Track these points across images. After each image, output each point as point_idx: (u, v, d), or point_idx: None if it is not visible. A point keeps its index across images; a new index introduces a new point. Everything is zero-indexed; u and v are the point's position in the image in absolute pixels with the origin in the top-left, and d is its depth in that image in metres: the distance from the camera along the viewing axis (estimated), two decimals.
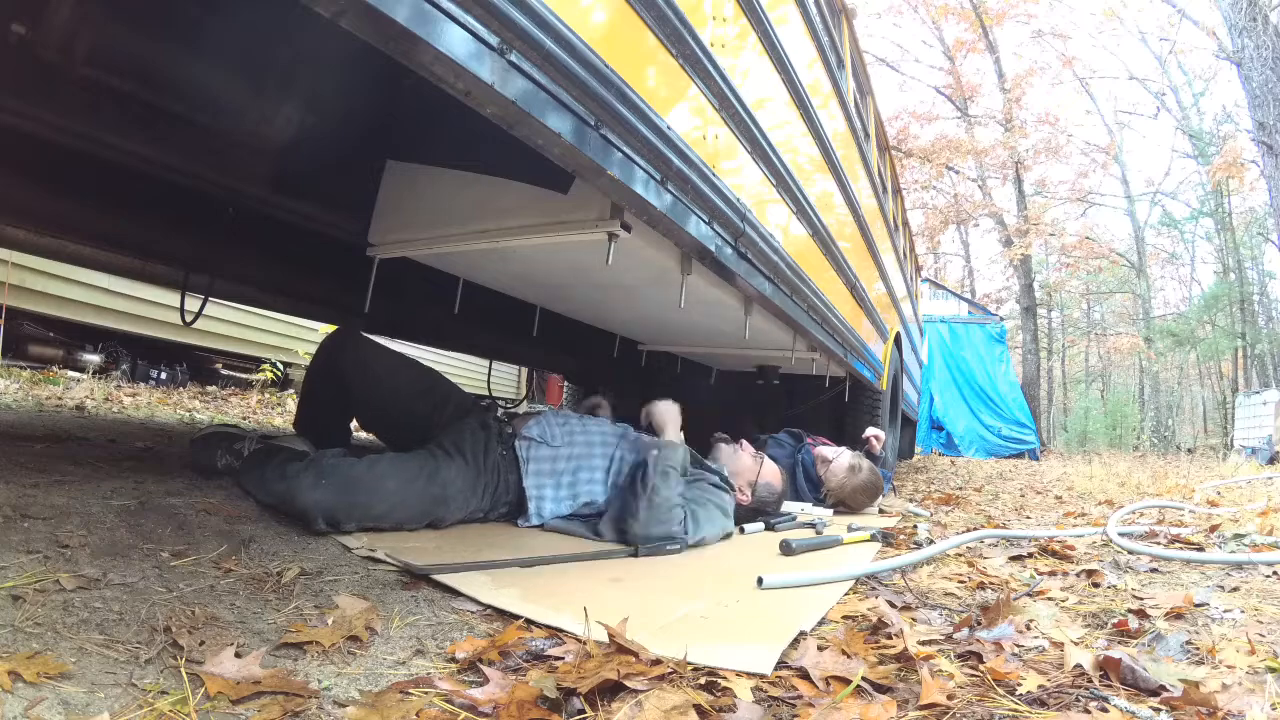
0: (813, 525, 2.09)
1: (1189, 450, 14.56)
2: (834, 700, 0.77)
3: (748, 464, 2.06)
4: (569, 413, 1.91)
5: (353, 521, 1.43)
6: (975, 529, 2.27)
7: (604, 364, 3.65)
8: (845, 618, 1.13)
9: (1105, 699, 0.79)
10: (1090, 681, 0.85)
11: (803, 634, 1.00)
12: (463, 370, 7.26)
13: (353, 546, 1.28)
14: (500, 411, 1.88)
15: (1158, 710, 0.76)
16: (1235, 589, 1.39)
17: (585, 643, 0.88)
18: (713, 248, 1.49)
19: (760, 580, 1.29)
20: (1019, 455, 10.63)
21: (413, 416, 1.81)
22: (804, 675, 0.85)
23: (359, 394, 1.85)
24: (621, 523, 1.62)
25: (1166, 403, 20.51)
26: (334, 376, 1.83)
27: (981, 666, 0.89)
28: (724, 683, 0.80)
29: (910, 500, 3.26)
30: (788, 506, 2.86)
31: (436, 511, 1.56)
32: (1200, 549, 1.78)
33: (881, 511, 2.71)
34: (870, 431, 3.24)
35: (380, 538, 1.32)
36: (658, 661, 0.81)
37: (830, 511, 2.59)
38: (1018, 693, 0.81)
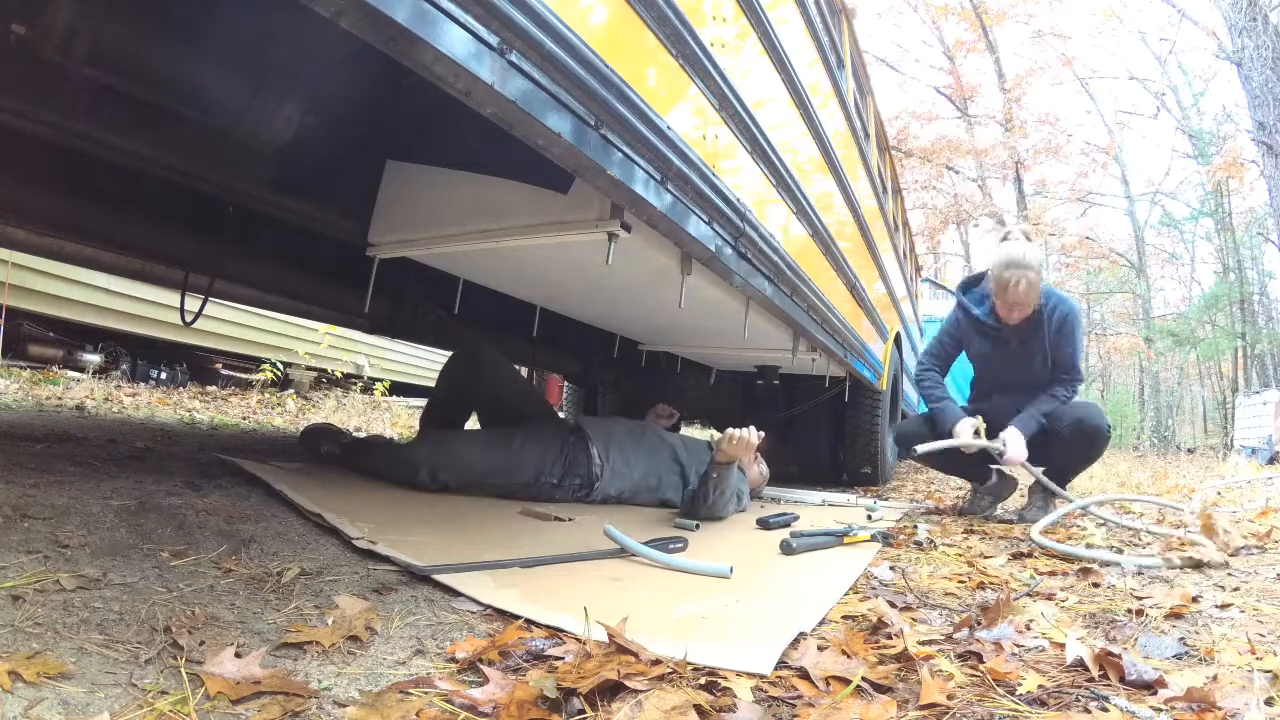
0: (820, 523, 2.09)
1: (1189, 450, 14.56)
2: (834, 700, 0.77)
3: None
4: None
5: (446, 473, 1.95)
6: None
7: (604, 364, 3.65)
8: (845, 618, 1.13)
9: (1105, 699, 0.79)
10: (1090, 681, 0.85)
11: (803, 634, 1.00)
12: None
13: (353, 536, 1.28)
14: None
15: (1158, 710, 0.76)
16: (1236, 589, 1.40)
17: (585, 643, 0.88)
18: (713, 248, 1.49)
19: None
20: None
21: (516, 412, 2.28)
22: (804, 675, 0.84)
23: (485, 391, 2.33)
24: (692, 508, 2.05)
25: (1166, 403, 20.50)
26: (469, 377, 2.33)
27: (981, 666, 0.89)
28: (724, 683, 0.80)
29: (911, 500, 3.26)
30: (800, 497, 2.88)
31: (511, 470, 2.04)
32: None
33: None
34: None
35: (382, 531, 1.32)
36: (658, 661, 0.81)
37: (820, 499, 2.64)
38: (1018, 693, 0.81)
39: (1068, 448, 2.46)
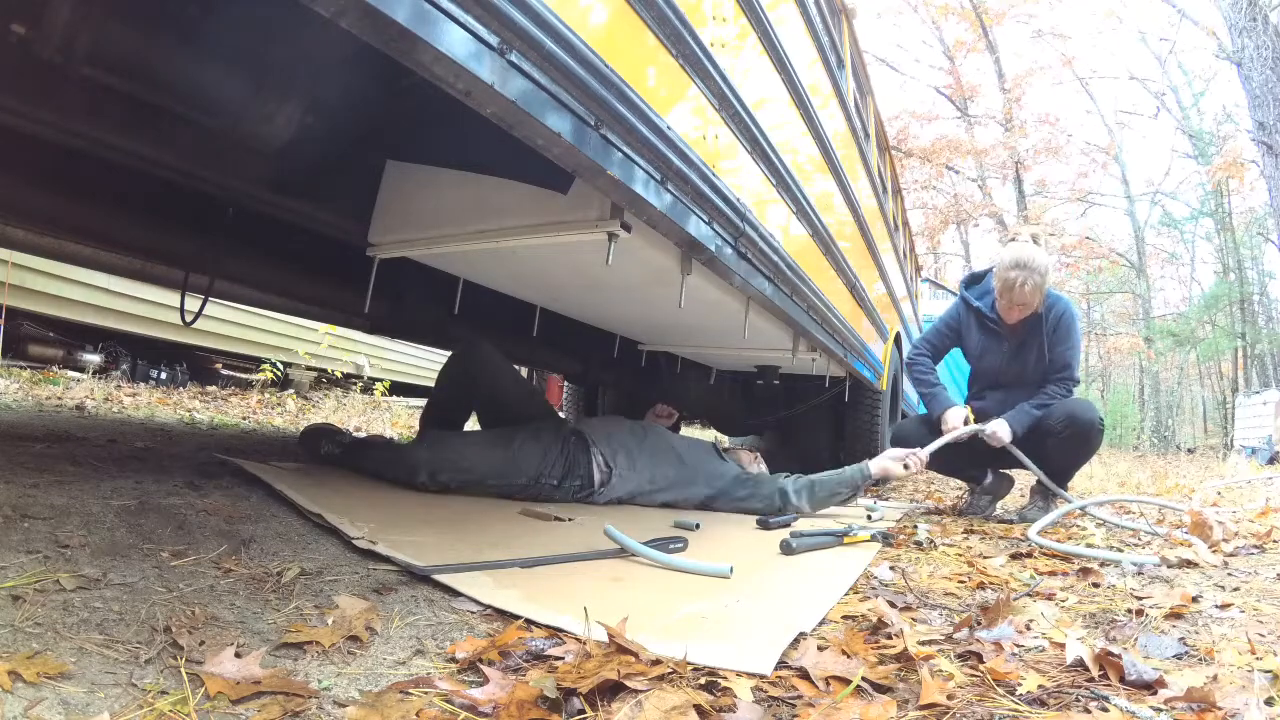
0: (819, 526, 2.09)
1: (1189, 450, 14.56)
2: (834, 700, 0.77)
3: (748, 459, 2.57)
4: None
5: (446, 474, 1.94)
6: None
7: (604, 364, 3.65)
8: (845, 618, 1.13)
9: (1105, 699, 0.79)
10: (1090, 681, 0.85)
11: (803, 634, 1.00)
12: None
13: (353, 536, 1.28)
14: None
15: (1158, 710, 0.76)
16: (1236, 589, 1.40)
17: (585, 643, 0.88)
18: (713, 248, 1.49)
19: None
20: None
21: (516, 412, 2.27)
22: (804, 675, 0.84)
23: (484, 390, 2.32)
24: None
25: (1166, 403, 20.51)
26: (467, 376, 2.32)
27: (981, 666, 0.89)
28: (724, 683, 0.80)
29: (911, 500, 3.26)
30: None
31: (511, 470, 2.02)
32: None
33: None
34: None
35: (382, 531, 1.32)
36: (658, 661, 0.81)
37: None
38: (1018, 693, 0.81)
39: (1062, 446, 2.47)
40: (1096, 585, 1.42)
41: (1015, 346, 2.59)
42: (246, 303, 2.44)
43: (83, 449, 1.79)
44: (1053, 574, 1.54)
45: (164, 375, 5.45)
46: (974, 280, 2.79)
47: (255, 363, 6.00)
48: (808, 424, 4.00)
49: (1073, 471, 2.61)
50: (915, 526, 2.18)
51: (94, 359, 4.86)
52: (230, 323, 5.48)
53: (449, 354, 2.46)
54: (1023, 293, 2.41)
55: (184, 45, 1.38)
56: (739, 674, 0.83)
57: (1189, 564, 1.62)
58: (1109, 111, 19.52)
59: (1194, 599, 1.26)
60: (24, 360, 4.47)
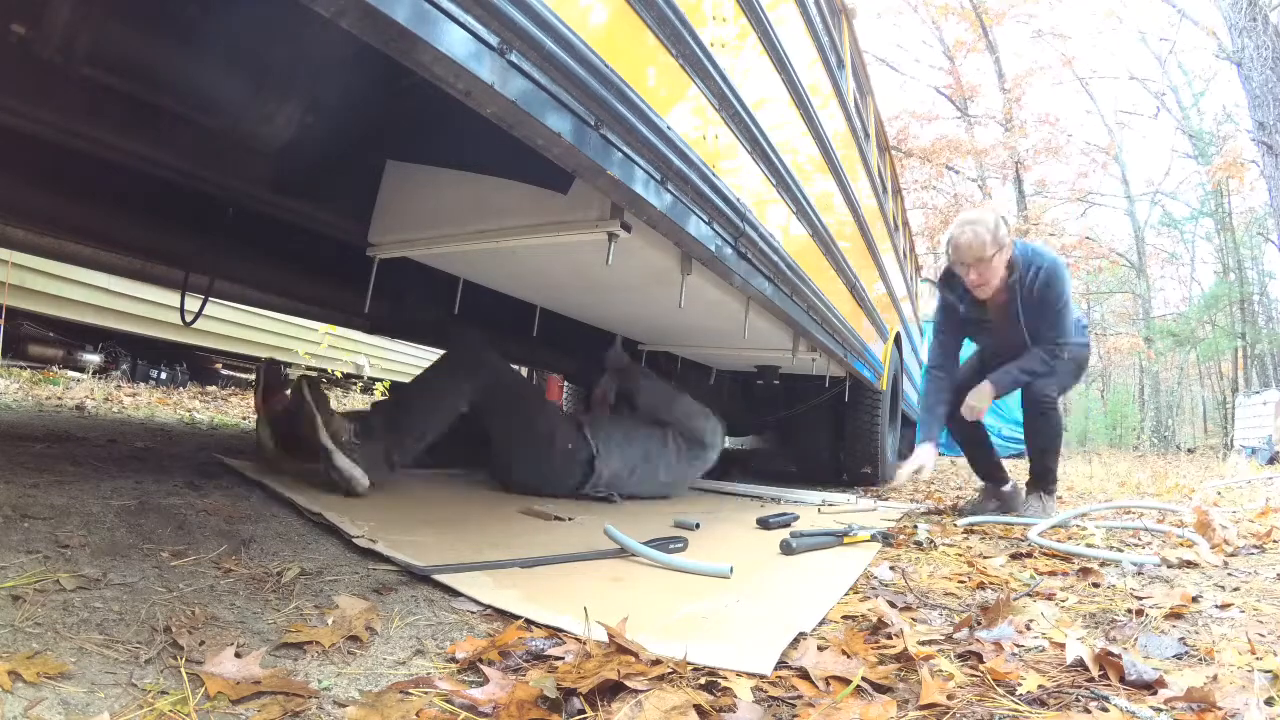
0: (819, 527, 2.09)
1: (1189, 450, 14.55)
2: (834, 700, 0.77)
3: None
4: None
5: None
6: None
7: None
8: (845, 618, 1.13)
9: (1105, 699, 0.79)
10: (1090, 681, 0.85)
11: (803, 634, 1.00)
12: None
13: (354, 535, 1.28)
14: None
15: (1158, 710, 0.76)
16: (1236, 589, 1.40)
17: (585, 643, 0.88)
18: (713, 248, 1.49)
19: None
20: (1019, 455, 10.62)
21: (518, 411, 2.28)
22: (804, 675, 0.84)
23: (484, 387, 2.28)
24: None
25: (1166, 403, 20.49)
26: (469, 375, 2.28)
27: (981, 666, 0.89)
28: (724, 683, 0.80)
29: (911, 500, 3.26)
30: (800, 497, 2.89)
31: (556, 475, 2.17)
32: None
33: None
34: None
35: (382, 530, 1.32)
36: (658, 661, 0.81)
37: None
38: (1018, 693, 0.81)
39: (1027, 427, 2.53)
40: (1096, 585, 1.42)
41: (1000, 322, 2.53)
42: (246, 303, 2.44)
43: (83, 449, 1.79)
44: (1053, 574, 1.54)
45: (164, 375, 5.45)
46: (950, 274, 2.74)
47: (255, 363, 5.99)
48: (808, 424, 4.00)
49: (1048, 455, 2.57)
50: (915, 526, 2.17)
51: (94, 359, 4.86)
52: (230, 323, 5.48)
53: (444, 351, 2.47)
54: (971, 248, 2.32)
55: (184, 45, 1.38)
56: (739, 674, 0.83)
57: (1189, 564, 1.62)
58: (1109, 111, 19.50)
59: (1194, 599, 1.26)
60: (24, 360, 4.47)
